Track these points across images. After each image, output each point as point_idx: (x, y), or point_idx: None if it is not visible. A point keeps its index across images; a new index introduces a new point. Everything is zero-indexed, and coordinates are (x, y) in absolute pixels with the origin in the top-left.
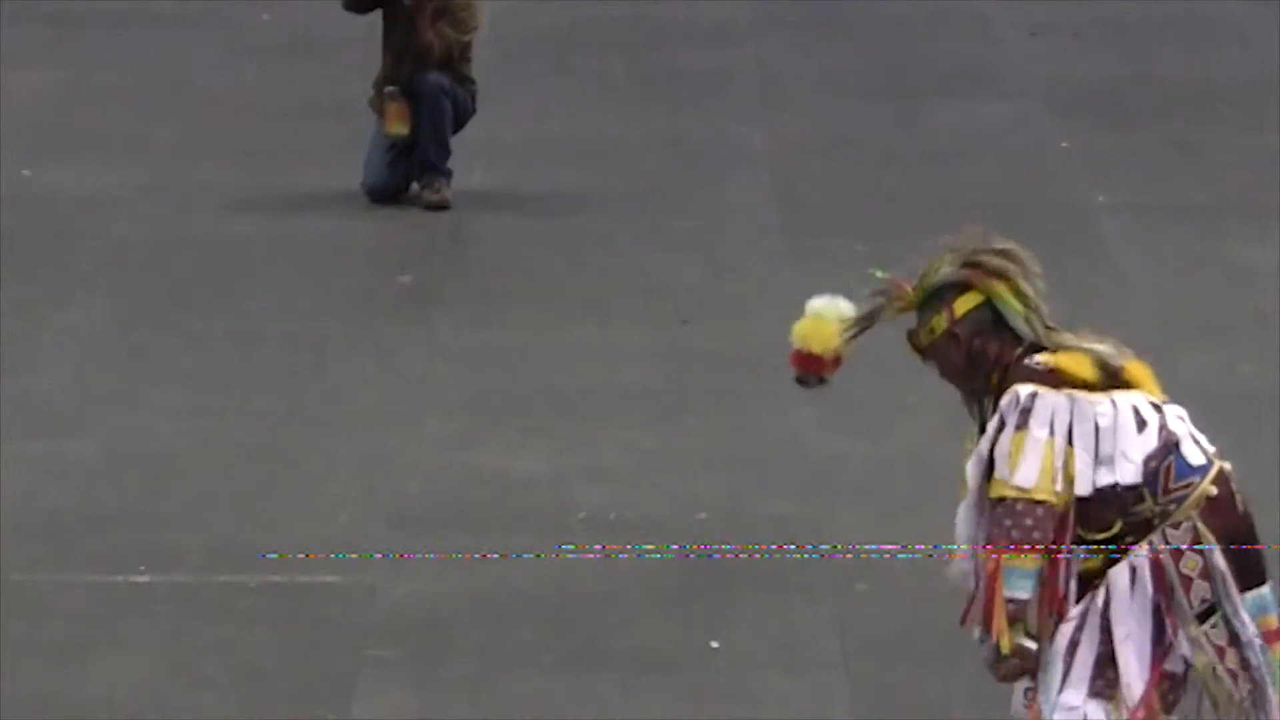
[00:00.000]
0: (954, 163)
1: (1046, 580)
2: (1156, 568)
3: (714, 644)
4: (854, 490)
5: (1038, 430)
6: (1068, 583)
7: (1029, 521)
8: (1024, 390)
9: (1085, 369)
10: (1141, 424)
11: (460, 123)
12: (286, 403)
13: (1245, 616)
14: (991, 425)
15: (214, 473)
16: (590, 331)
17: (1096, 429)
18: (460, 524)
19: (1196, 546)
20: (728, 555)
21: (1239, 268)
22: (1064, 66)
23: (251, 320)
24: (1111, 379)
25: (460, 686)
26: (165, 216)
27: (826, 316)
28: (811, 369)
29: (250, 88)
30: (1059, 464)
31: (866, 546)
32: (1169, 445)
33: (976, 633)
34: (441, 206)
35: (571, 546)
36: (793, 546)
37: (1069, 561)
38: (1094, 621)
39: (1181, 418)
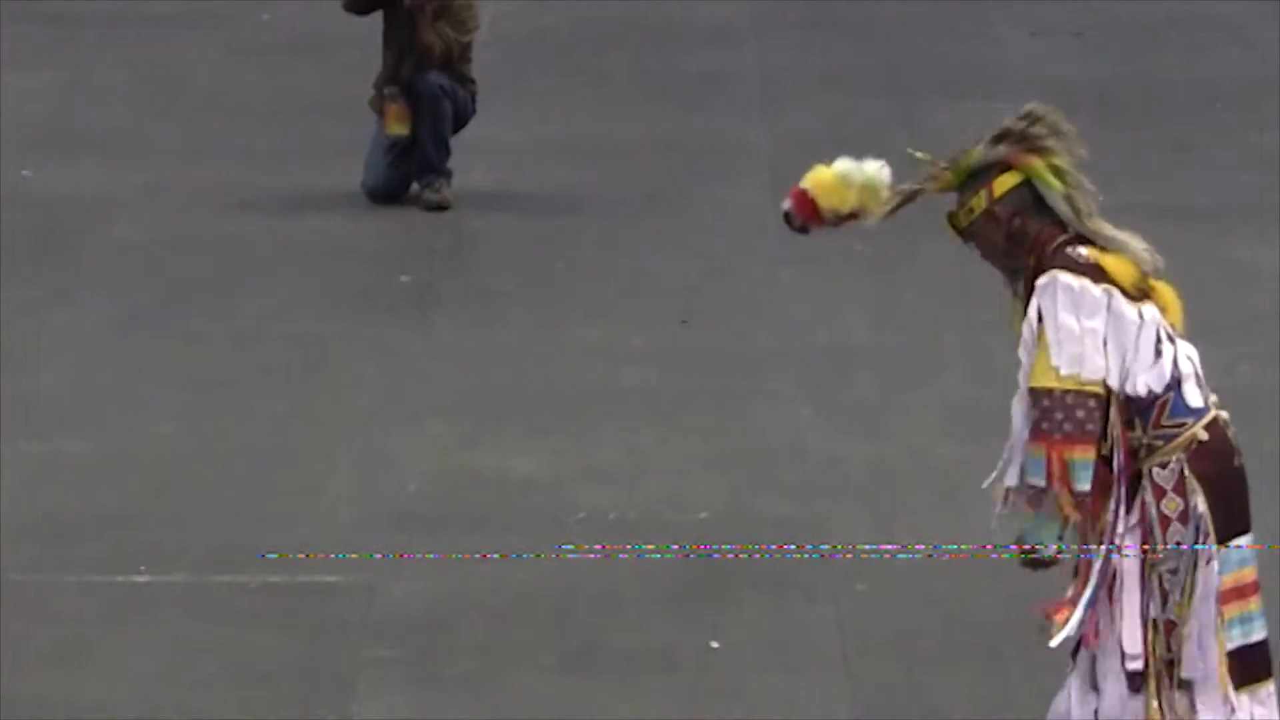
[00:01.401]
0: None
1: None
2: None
3: (714, 644)
4: (854, 490)
5: (1087, 320)
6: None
7: (1081, 413)
8: (1066, 278)
9: (1125, 274)
10: (1159, 348)
11: (460, 123)
12: (286, 403)
13: (1214, 569)
14: (1032, 311)
15: (214, 473)
16: (590, 331)
17: (1128, 333)
18: (460, 524)
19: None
20: (728, 555)
21: (1239, 268)
22: (1064, 66)
23: (251, 320)
24: (1143, 291)
25: (460, 686)
26: (165, 216)
27: (850, 180)
28: (806, 215)
29: (250, 88)
30: (1101, 359)
31: (866, 546)
32: (1173, 380)
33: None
34: (441, 206)
35: (571, 546)
36: (793, 547)
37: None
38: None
39: (1190, 357)
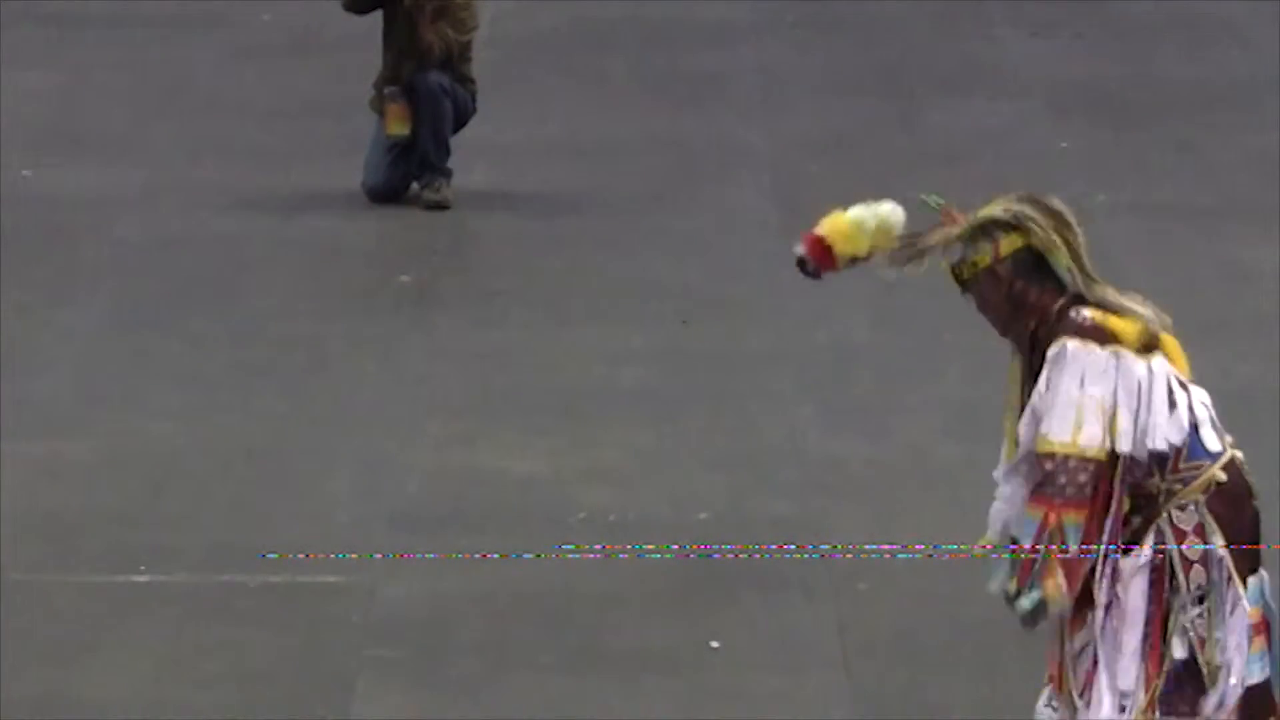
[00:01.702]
0: (954, 163)
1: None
2: (1159, 560)
3: (714, 644)
4: (854, 490)
5: (1091, 387)
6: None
7: (1082, 478)
8: (1074, 345)
9: (1130, 331)
10: (1172, 399)
11: (460, 122)
12: (286, 403)
13: (1244, 608)
14: (1042, 382)
15: (214, 473)
16: (590, 332)
17: (1138, 391)
18: (460, 524)
19: (1197, 547)
20: (728, 555)
21: (1239, 268)
22: (1064, 66)
23: (251, 320)
24: (1149, 347)
25: (460, 686)
26: (165, 216)
27: (864, 226)
28: (820, 261)
29: (250, 88)
30: (1106, 422)
31: (866, 546)
32: (1191, 426)
33: (1011, 587)
34: (441, 206)
35: (571, 546)
36: (793, 547)
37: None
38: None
39: (1205, 403)
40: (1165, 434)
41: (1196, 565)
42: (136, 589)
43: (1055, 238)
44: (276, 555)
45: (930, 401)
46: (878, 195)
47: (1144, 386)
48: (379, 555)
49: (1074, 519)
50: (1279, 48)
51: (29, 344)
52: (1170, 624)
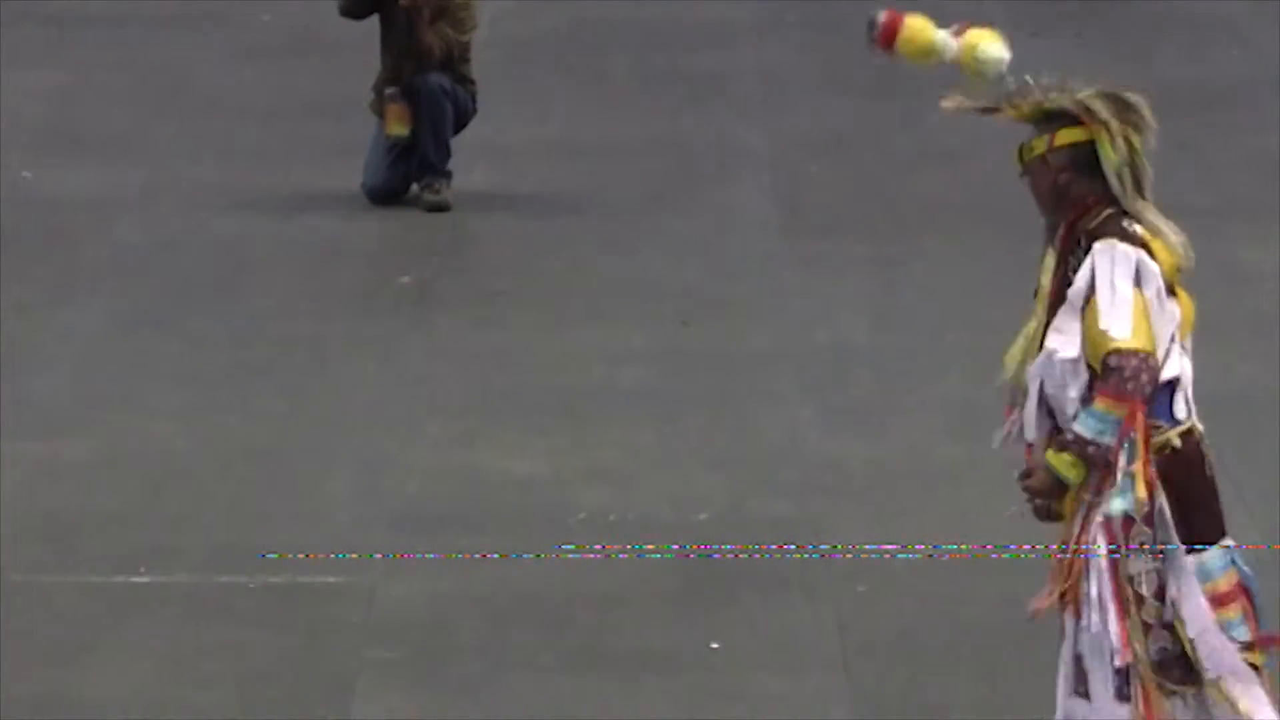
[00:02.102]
0: (954, 163)
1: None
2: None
3: (714, 644)
4: (854, 491)
5: (1146, 290)
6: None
7: (1145, 377)
8: (1125, 248)
9: (1166, 262)
10: (1169, 348)
11: (461, 123)
12: (286, 403)
13: (1189, 569)
14: (1084, 273)
15: (214, 473)
16: (590, 332)
17: (1160, 319)
18: (460, 524)
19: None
20: (728, 556)
21: (1239, 268)
22: (1064, 67)
23: (251, 320)
24: (1172, 288)
25: (460, 687)
26: (165, 217)
27: (937, 47)
28: (885, 41)
29: (250, 88)
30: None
31: (866, 547)
32: (1169, 383)
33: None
34: (441, 207)
35: (572, 547)
36: (793, 547)
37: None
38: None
39: (1187, 371)
40: (1165, 373)
41: (1139, 524)
42: (136, 589)
43: (1119, 139)
44: (276, 556)
45: (930, 401)
46: (878, 196)
47: (1162, 320)
48: (379, 555)
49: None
50: (1279, 48)
51: (29, 344)
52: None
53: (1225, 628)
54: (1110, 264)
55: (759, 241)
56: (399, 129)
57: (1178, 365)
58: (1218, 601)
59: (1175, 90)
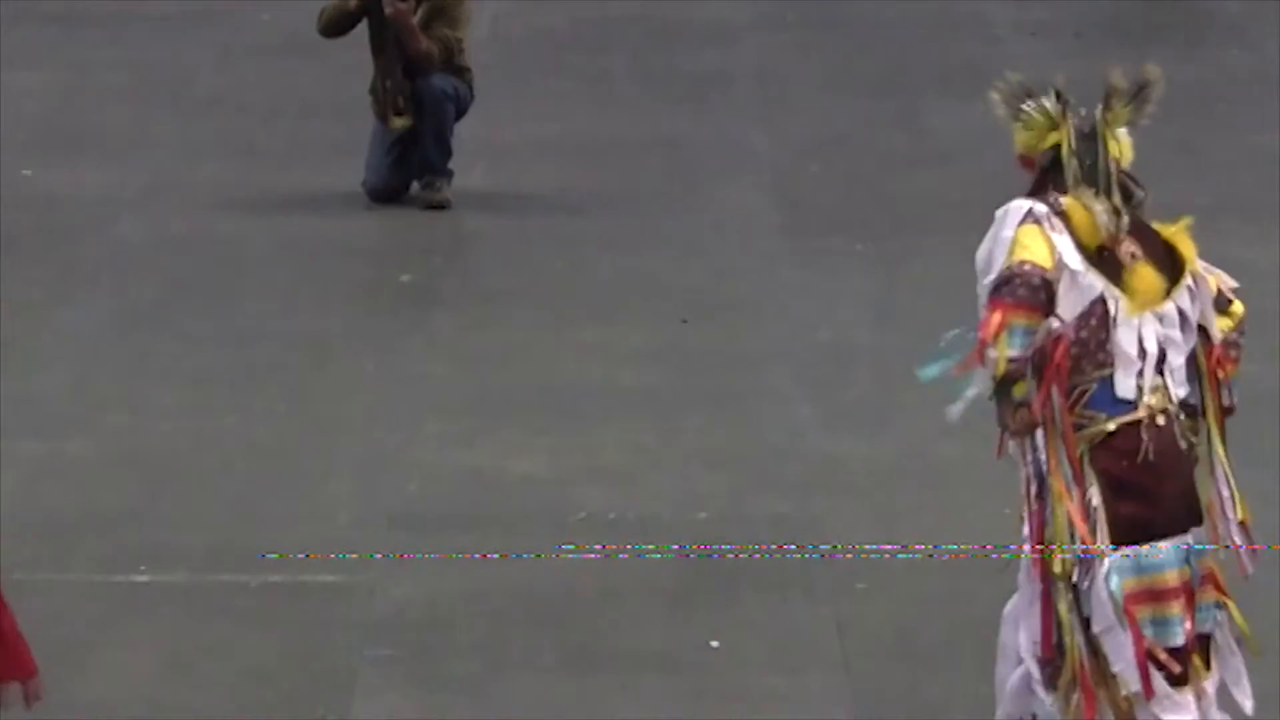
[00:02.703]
0: (954, 162)
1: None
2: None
3: (714, 644)
4: (854, 490)
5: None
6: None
7: (1036, 281)
8: (1017, 202)
9: (1085, 227)
10: (1095, 318)
11: (461, 113)
12: (286, 402)
13: (1105, 567)
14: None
15: (214, 472)
16: (590, 331)
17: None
18: (460, 524)
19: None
20: (728, 555)
21: (1239, 268)
22: (1064, 66)
23: (251, 320)
24: (1105, 256)
25: (460, 686)
26: (165, 216)
27: None
28: None
29: (250, 88)
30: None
31: (866, 546)
32: (1109, 372)
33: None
34: (441, 206)
35: (571, 546)
36: (793, 546)
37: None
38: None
39: (1166, 338)
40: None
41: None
42: (136, 589)
43: (1071, 135)
44: (276, 555)
45: (930, 401)
46: (878, 195)
47: (1069, 277)
48: (379, 555)
49: (1021, 320)
50: (1279, 48)
51: (29, 343)
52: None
53: (1159, 624)
54: (999, 220)
55: (759, 240)
56: (401, 122)
57: (1122, 344)
58: (1154, 597)
59: (1175, 90)
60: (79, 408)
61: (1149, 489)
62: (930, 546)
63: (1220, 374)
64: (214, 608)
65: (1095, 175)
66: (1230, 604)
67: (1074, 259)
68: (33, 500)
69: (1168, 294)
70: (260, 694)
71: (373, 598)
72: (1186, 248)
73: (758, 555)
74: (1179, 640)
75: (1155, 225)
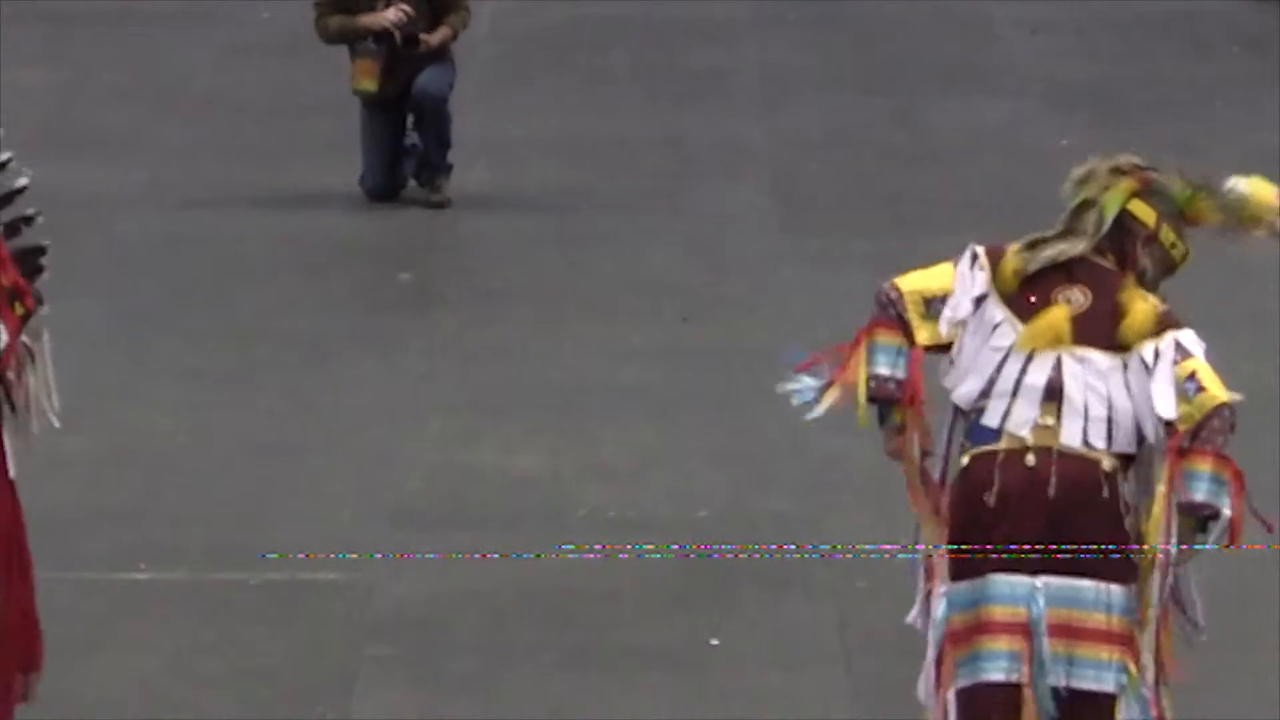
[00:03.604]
0: (954, 161)
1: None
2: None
3: (714, 642)
4: (854, 489)
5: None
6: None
7: (893, 295)
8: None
9: (1005, 271)
10: (992, 356)
11: (449, 87)
12: (287, 401)
13: (939, 604)
14: None
15: (214, 470)
16: (590, 329)
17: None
18: (460, 522)
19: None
20: (728, 554)
21: (1239, 266)
22: (1064, 64)
23: (251, 318)
24: (1021, 297)
25: (460, 684)
26: (165, 214)
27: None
28: None
29: (250, 86)
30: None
31: (866, 545)
32: (983, 394)
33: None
34: (441, 205)
35: (571, 545)
36: (793, 545)
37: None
38: None
39: (1082, 382)
40: (959, 380)
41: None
42: (136, 586)
43: None
44: (277, 554)
45: (930, 401)
46: (878, 193)
47: (970, 312)
48: (379, 554)
49: (881, 338)
50: (1278, 47)
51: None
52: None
53: (975, 659)
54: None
55: (759, 238)
56: (367, 83)
57: (1004, 374)
58: (980, 629)
59: (1175, 89)
60: (79, 405)
61: (988, 525)
62: (930, 545)
63: (1183, 463)
64: (214, 606)
65: (1069, 219)
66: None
67: (979, 288)
68: (32, 497)
69: (1088, 342)
70: (260, 692)
71: (373, 596)
72: (1138, 322)
73: (758, 554)
74: (996, 676)
75: (1134, 295)
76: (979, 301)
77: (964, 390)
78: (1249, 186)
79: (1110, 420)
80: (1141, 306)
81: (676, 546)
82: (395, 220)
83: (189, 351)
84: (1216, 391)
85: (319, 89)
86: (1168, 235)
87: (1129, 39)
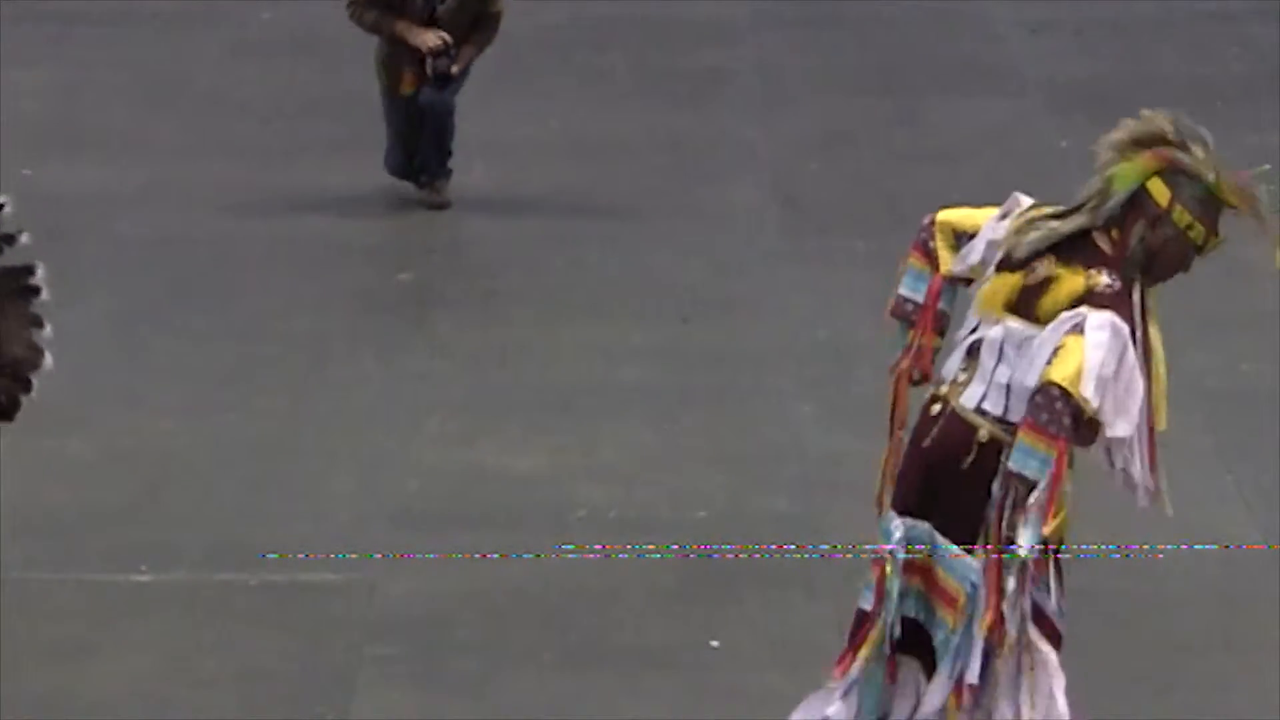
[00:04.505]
0: (954, 161)
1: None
2: None
3: (714, 643)
4: (854, 488)
5: None
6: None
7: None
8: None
9: (1011, 229)
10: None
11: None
12: (286, 401)
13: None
14: None
15: (214, 471)
16: (590, 330)
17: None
18: (460, 522)
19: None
20: (728, 554)
21: (1239, 266)
22: (1064, 64)
23: (252, 318)
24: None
25: (460, 685)
26: (165, 215)
27: None
28: None
29: (251, 86)
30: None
31: (866, 545)
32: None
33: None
34: (441, 206)
35: (571, 545)
36: (793, 545)
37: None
38: None
39: (998, 348)
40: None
41: None
42: (137, 587)
43: None
44: (277, 554)
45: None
46: (878, 193)
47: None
48: (379, 554)
49: (913, 262)
50: (1278, 46)
51: None
52: None
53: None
54: None
55: (759, 238)
56: (408, 90)
57: (963, 330)
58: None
59: (1175, 89)
60: (79, 405)
61: (900, 464)
62: (930, 545)
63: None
64: (214, 606)
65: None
66: (953, 630)
67: (997, 235)
68: (33, 498)
69: (1018, 313)
70: (260, 693)
71: (373, 596)
72: (1060, 295)
73: (758, 554)
74: (864, 605)
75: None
76: (993, 246)
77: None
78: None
79: (1010, 390)
80: (1071, 281)
81: (676, 546)
82: (395, 221)
83: (189, 351)
84: (1056, 373)
85: (319, 89)
86: (1182, 217)
87: (1129, 39)
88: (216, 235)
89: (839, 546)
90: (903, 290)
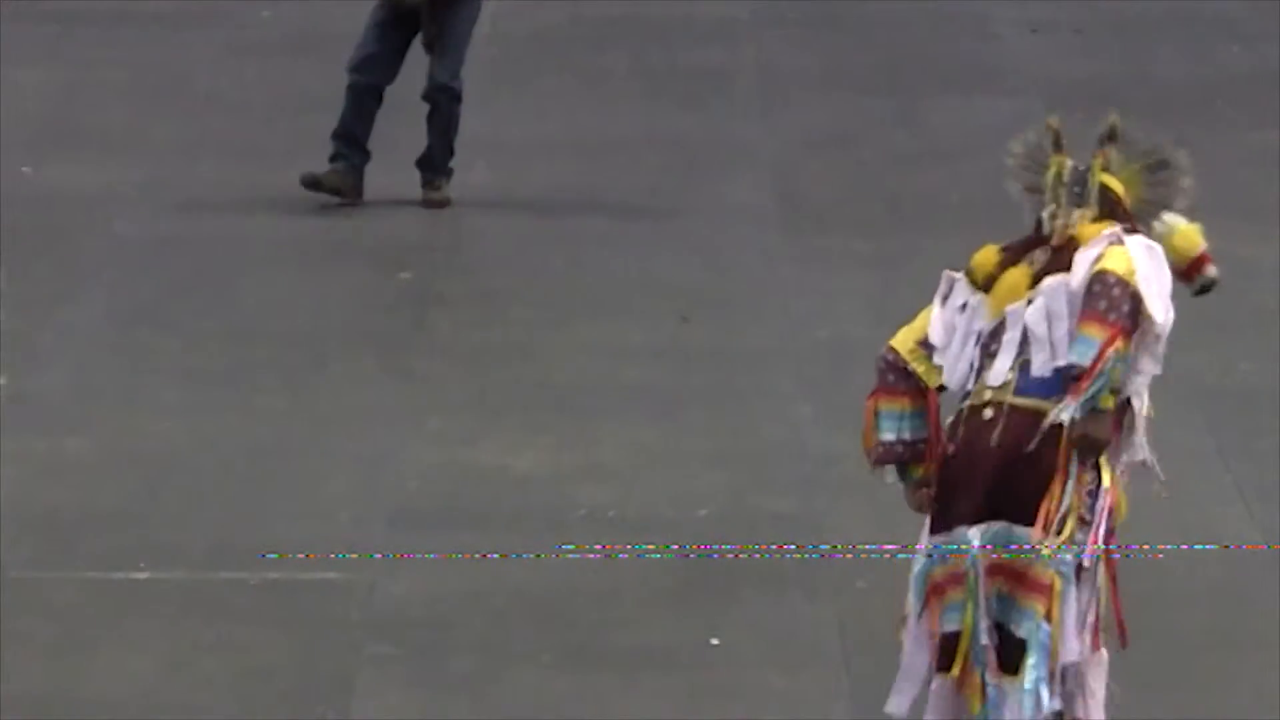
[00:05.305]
0: (954, 160)
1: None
2: None
3: (714, 642)
4: (854, 488)
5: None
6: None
7: (879, 369)
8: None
9: (981, 260)
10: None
11: None
12: (286, 400)
13: (919, 558)
14: None
15: (214, 470)
16: (590, 329)
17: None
18: (460, 522)
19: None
20: (728, 554)
21: (1239, 266)
22: (1064, 64)
23: (251, 317)
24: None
25: (460, 684)
26: (165, 214)
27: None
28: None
29: (250, 85)
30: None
31: (866, 545)
32: (978, 360)
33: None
34: (441, 204)
35: (571, 545)
36: (793, 545)
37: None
38: None
39: (1013, 340)
40: (948, 368)
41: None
42: (136, 587)
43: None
44: (276, 554)
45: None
46: (878, 193)
47: (953, 317)
48: (379, 554)
49: (884, 404)
50: (1278, 45)
51: (28, 340)
52: None
53: (946, 610)
54: None
55: (759, 238)
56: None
57: (980, 344)
58: (952, 582)
59: (1175, 88)
60: (78, 404)
61: (958, 480)
62: (930, 545)
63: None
64: (214, 606)
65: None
66: (1049, 621)
67: (959, 299)
68: (33, 498)
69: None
70: (260, 692)
71: (372, 596)
72: (1089, 234)
73: (758, 554)
74: (953, 627)
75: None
76: (963, 309)
77: (956, 378)
78: (1180, 226)
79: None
80: (1094, 227)
81: (676, 546)
82: (395, 220)
83: (188, 351)
84: (1109, 264)
85: (319, 89)
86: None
87: (1129, 39)
88: (216, 233)
89: (839, 546)
90: (884, 436)
